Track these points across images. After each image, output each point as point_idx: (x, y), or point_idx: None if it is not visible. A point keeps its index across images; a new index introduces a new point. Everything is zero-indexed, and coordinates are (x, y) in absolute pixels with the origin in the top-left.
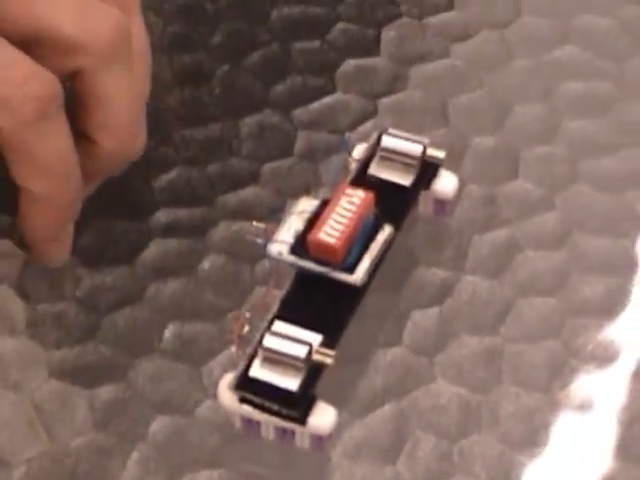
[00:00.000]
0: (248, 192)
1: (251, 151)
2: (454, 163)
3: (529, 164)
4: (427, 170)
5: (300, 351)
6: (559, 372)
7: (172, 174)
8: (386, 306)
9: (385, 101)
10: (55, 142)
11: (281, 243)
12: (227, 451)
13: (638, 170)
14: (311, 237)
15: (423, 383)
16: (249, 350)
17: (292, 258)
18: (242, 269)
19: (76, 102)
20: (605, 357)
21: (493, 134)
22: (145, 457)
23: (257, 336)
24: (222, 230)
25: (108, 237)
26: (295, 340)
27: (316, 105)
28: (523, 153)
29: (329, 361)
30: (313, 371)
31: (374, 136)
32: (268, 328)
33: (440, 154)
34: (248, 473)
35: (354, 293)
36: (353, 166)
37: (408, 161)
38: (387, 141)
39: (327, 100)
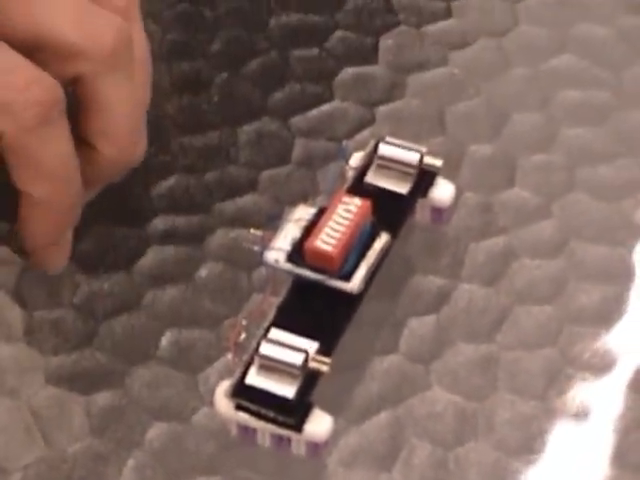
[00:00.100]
0: (246, 200)
1: (249, 159)
2: (451, 171)
3: (526, 172)
4: (424, 178)
5: (296, 359)
6: (555, 380)
7: (170, 181)
8: (382, 314)
9: (383, 109)
10: (56, 147)
11: (278, 251)
12: (223, 458)
13: (635, 179)
14: (308, 245)
15: (419, 390)
16: (245, 357)
17: (289, 266)
18: (239, 276)
19: (77, 108)
20: (601, 365)
21: (490, 142)
22: (141, 464)
23: (254, 343)
24: (220, 237)
25: (106, 244)
26: (291, 348)
27: (314, 113)
28: (520, 161)
29: (325, 369)
30: (309, 378)
31: (371, 144)
32: (264, 335)
33: (437, 162)
34: None
35: (350, 301)
36: (350, 174)
37: (405, 169)
38: (384, 149)
39: (325, 108)
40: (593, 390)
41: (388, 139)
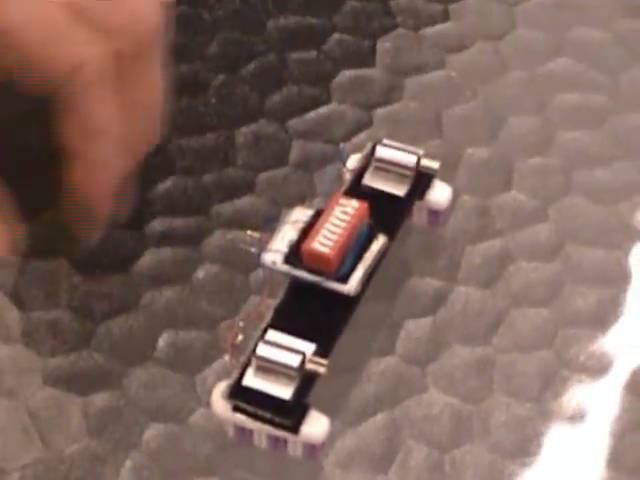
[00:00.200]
0: (243, 201)
1: (247, 161)
2: (448, 174)
3: (523, 175)
4: (421, 180)
5: (293, 360)
6: (551, 382)
7: (168, 183)
8: (379, 316)
9: (380, 112)
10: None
11: (275, 252)
12: (220, 459)
13: (631, 182)
14: (305, 247)
15: (415, 393)
16: (243, 359)
17: (286, 267)
18: (236, 278)
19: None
20: (597, 367)
21: (487, 145)
22: (139, 464)
23: (251, 345)
24: (217, 239)
25: (103, 245)
26: (288, 349)
27: (311, 115)
28: (517, 164)
29: (322, 370)
30: (306, 380)
31: (368, 146)
32: (262, 337)
33: (434, 165)
34: None
35: (347, 303)
36: (347, 176)
37: (402, 171)
38: (381, 151)
39: (322, 110)
40: (589, 392)
41: (385, 141)
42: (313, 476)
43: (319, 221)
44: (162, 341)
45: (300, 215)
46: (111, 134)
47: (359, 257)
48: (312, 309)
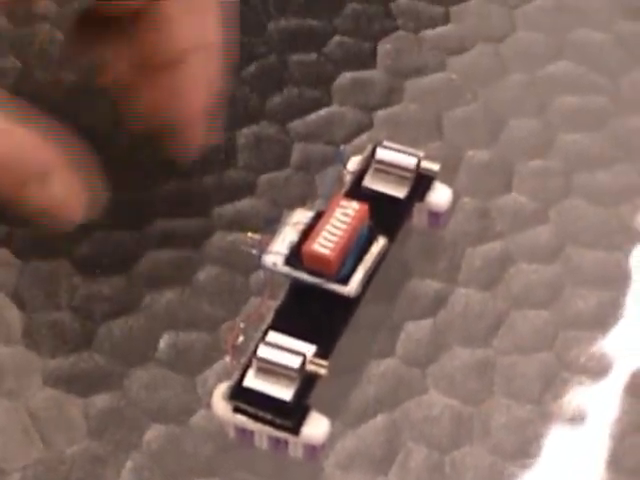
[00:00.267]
0: (244, 203)
1: (247, 162)
2: (448, 176)
3: (523, 177)
4: (421, 182)
5: (294, 361)
6: (551, 384)
7: (169, 184)
8: (379, 317)
9: (381, 114)
10: None
11: (276, 254)
12: (221, 460)
13: (632, 184)
14: (305, 248)
15: (415, 394)
16: (243, 360)
17: (286, 269)
18: (237, 280)
19: None
20: (598, 369)
21: (488, 147)
22: (139, 465)
23: (251, 346)
24: (218, 241)
25: (104, 247)
26: (289, 350)
27: (312, 117)
28: (517, 167)
29: (323, 371)
30: (307, 381)
31: (369, 148)
32: (262, 338)
33: (434, 167)
34: None
35: (348, 304)
36: (348, 178)
37: (402, 173)
38: (382, 153)
39: (323, 112)
40: (589, 394)
41: (386, 143)
42: (313, 477)
43: (319, 223)
44: (163, 342)
45: (301, 217)
46: (214, 45)
47: (359, 259)
48: (312, 311)
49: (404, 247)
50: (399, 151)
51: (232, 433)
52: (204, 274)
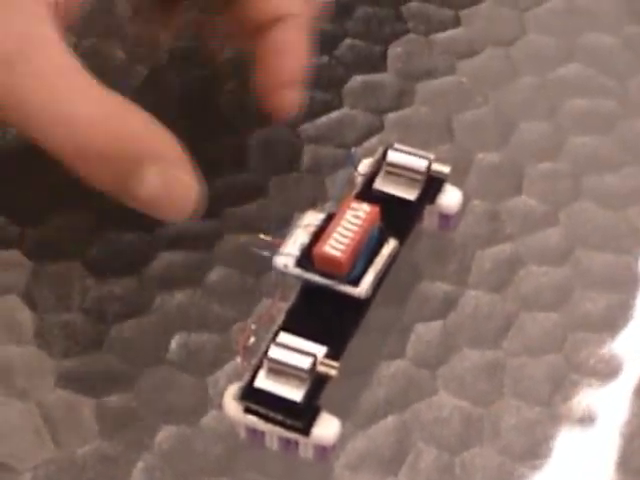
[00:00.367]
0: (255, 205)
1: (259, 165)
2: (459, 178)
3: (533, 180)
4: (432, 185)
5: (305, 362)
6: (560, 386)
7: None
8: (390, 319)
9: (391, 116)
10: None
11: (287, 256)
12: (232, 461)
13: None
14: (317, 250)
15: (425, 395)
16: (254, 361)
17: (298, 271)
18: (248, 281)
19: None
20: (607, 371)
21: (498, 150)
22: (150, 466)
23: (262, 347)
24: (229, 243)
25: (116, 248)
26: (300, 351)
27: (323, 120)
28: (527, 169)
29: (333, 373)
30: (317, 382)
31: (380, 151)
32: (273, 339)
33: (445, 169)
34: None
35: (358, 306)
36: (359, 180)
37: (413, 176)
38: (392, 156)
39: (334, 115)
40: (598, 396)
41: (396, 146)
42: (324, 478)
43: (330, 225)
44: (174, 343)
45: (312, 219)
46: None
47: (370, 261)
48: (323, 312)
49: (414, 249)
50: (410, 153)
51: (243, 434)
52: (215, 275)
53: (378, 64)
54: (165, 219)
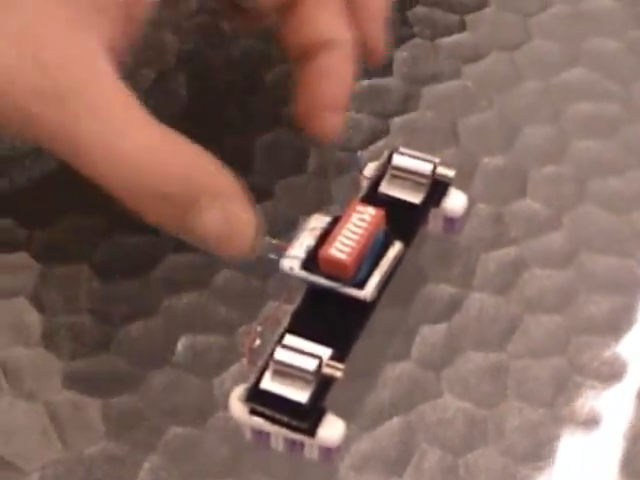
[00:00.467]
0: (262, 208)
1: (265, 168)
2: (464, 182)
3: (537, 184)
4: (437, 188)
5: (310, 364)
6: (564, 388)
7: None
8: (395, 321)
9: (397, 120)
10: None
11: (293, 259)
12: (237, 461)
13: None
14: (322, 253)
15: (430, 397)
16: (260, 363)
17: (303, 273)
18: (254, 284)
19: None
20: (610, 373)
21: (502, 154)
22: (157, 466)
23: (268, 349)
24: None
25: (123, 251)
26: (305, 353)
27: None
28: (531, 173)
29: (338, 374)
30: (323, 384)
31: (385, 154)
32: (279, 341)
33: (450, 173)
34: None
35: (364, 308)
36: (364, 184)
37: (418, 179)
38: (398, 159)
39: None
40: (601, 398)
41: (402, 150)
42: (328, 479)
43: (336, 228)
44: (181, 345)
45: (318, 222)
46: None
47: (375, 263)
48: (329, 314)
49: (419, 252)
50: (415, 157)
51: (248, 435)
52: (221, 278)
53: (384, 68)
54: (224, 255)
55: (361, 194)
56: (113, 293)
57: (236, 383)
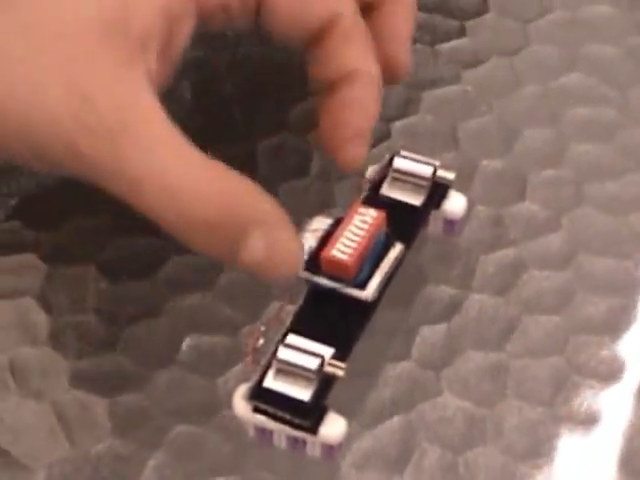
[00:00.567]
0: None
1: (269, 171)
2: (463, 185)
3: (536, 187)
4: (437, 191)
5: (312, 363)
6: (562, 387)
7: None
8: (395, 321)
9: (398, 124)
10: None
11: None
12: (241, 459)
13: None
14: (324, 254)
15: (430, 396)
16: (263, 362)
17: (306, 274)
18: (257, 284)
19: None
20: (608, 373)
21: (501, 157)
22: (162, 464)
23: (271, 348)
24: None
25: (129, 252)
26: (308, 353)
27: None
28: (530, 176)
29: (340, 373)
30: (325, 383)
31: (386, 158)
32: (282, 341)
33: (450, 175)
34: None
35: (365, 308)
36: (366, 186)
37: (419, 182)
38: (399, 162)
39: None
40: (599, 397)
41: (403, 153)
42: (330, 476)
43: (338, 229)
44: (185, 345)
45: (320, 224)
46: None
47: (376, 264)
48: (331, 314)
49: (420, 253)
50: (416, 160)
51: (252, 433)
52: (225, 279)
53: None
54: (270, 280)
55: (362, 196)
56: (119, 293)
57: (240, 382)
